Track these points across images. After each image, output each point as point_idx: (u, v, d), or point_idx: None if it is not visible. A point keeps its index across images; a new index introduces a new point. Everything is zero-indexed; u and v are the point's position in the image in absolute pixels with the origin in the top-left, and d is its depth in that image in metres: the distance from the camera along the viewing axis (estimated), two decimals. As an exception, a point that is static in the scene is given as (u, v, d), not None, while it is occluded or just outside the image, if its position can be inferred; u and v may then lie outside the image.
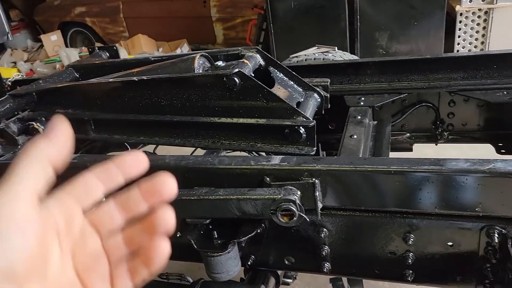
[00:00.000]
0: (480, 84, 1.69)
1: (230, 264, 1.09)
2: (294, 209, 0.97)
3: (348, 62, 1.94)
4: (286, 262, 1.18)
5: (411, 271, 1.07)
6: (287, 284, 1.63)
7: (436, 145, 1.92)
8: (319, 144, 2.08)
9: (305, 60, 2.46)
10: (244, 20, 6.01)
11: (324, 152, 2.13)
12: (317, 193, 0.99)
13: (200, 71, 1.44)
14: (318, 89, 1.59)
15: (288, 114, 1.33)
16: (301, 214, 0.97)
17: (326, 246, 1.12)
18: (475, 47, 3.61)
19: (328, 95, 1.61)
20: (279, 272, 1.51)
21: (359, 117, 1.68)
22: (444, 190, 0.94)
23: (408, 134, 1.97)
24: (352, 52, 3.96)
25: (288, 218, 0.98)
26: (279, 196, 0.98)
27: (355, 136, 1.52)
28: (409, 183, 0.96)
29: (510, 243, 0.93)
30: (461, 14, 3.54)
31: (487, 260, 0.98)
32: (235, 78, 1.30)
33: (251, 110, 1.34)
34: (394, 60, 1.84)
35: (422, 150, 2.04)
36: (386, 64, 1.83)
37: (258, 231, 1.11)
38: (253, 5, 4.98)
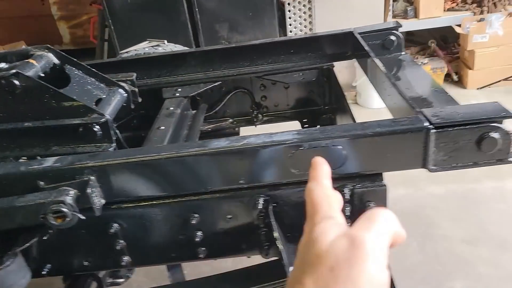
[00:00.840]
0: (282, 68, 1.86)
1: (14, 277, 1.02)
2: (66, 210, 0.94)
3: (161, 54, 1.96)
4: (86, 263, 1.16)
5: (203, 248, 1.13)
6: (118, 284, 1.61)
7: (256, 127, 2.06)
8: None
9: (135, 55, 2.42)
10: (90, 17, 5.67)
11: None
12: (89, 190, 0.98)
13: (-22, 76, 1.31)
14: (124, 84, 1.56)
15: (81, 112, 1.28)
16: (75, 213, 0.96)
17: (121, 240, 1.12)
18: (305, 33, 3.96)
19: (136, 89, 1.60)
20: (102, 273, 1.48)
21: (171, 108, 1.71)
22: (211, 168, 1.01)
23: (231, 120, 2.08)
24: (197, 44, 4.03)
25: (62, 219, 0.96)
26: (48, 199, 0.95)
27: (162, 127, 1.54)
28: (182, 167, 1.02)
29: (270, 207, 1.05)
30: (289, 4, 3.85)
31: (260, 226, 1.09)
32: (14, 80, 1.21)
33: (39, 113, 1.27)
34: (206, 50, 1.92)
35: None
36: (199, 55, 1.89)
37: (43, 237, 1.06)
38: (91, 1, 4.71)
